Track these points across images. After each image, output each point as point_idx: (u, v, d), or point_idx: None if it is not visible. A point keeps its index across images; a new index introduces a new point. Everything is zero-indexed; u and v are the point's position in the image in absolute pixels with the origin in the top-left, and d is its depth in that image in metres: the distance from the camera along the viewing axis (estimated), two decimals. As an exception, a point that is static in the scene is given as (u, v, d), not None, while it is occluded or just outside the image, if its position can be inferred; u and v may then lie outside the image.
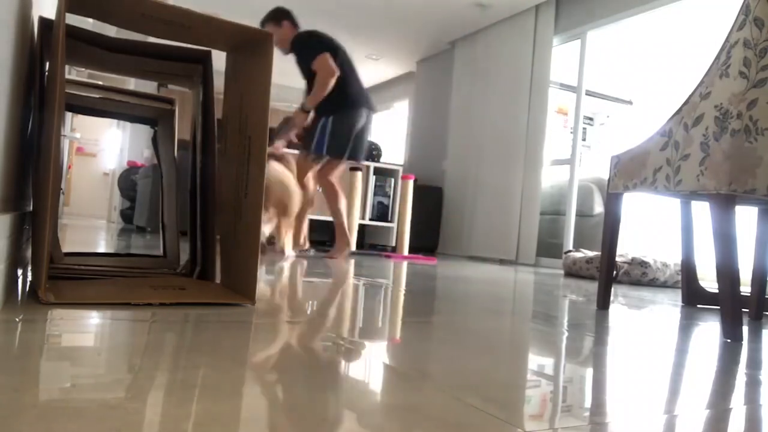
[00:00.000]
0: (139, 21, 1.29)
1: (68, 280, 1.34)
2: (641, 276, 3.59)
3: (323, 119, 3.39)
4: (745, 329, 1.68)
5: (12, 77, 1.11)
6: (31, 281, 1.35)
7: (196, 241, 1.56)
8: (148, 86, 6.52)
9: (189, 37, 1.38)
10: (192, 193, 1.58)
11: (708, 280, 2.41)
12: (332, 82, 3.25)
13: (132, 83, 6.69)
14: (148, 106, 1.75)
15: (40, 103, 1.32)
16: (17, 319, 0.93)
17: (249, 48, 1.39)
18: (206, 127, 1.52)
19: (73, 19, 1.27)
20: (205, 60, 1.51)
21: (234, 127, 1.44)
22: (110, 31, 4.89)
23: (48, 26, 1.37)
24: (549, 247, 5.01)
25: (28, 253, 1.68)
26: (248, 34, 1.33)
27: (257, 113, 1.34)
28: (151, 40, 3.55)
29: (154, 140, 1.84)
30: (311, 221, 5.75)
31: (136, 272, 1.54)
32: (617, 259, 3.61)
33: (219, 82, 1.43)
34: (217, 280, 1.51)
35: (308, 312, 1.33)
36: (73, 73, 5.24)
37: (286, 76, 6.90)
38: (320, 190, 3.65)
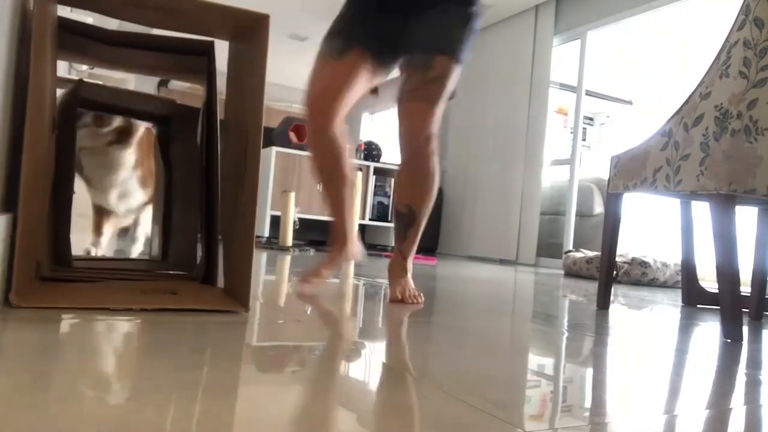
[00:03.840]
0: (127, 9, 1.23)
1: (67, 282, 1.33)
2: (641, 276, 3.59)
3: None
4: (745, 329, 1.68)
5: (8, 74, 1.10)
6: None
7: (204, 243, 1.52)
8: (149, 86, 6.50)
9: (182, 25, 1.31)
10: (200, 193, 1.54)
11: (708, 280, 2.41)
12: None
13: (132, 83, 6.67)
14: (164, 104, 1.73)
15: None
16: (17, 320, 0.93)
17: (248, 35, 1.33)
18: (209, 124, 1.47)
19: (74, 14, 1.25)
20: (209, 52, 1.45)
21: (234, 123, 1.41)
22: (112, 24, 4.88)
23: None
24: (549, 247, 5.01)
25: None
26: (243, 18, 1.26)
27: (253, 104, 1.27)
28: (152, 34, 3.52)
29: (161, 139, 1.82)
30: (311, 221, 5.76)
31: (136, 275, 1.52)
32: (617, 259, 3.61)
33: (221, 83, 1.40)
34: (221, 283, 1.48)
35: (308, 312, 1.33)
36: (73, 73, 5.23)
37: (284, 76, 6.93)
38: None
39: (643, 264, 3.60)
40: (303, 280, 1.69)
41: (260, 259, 2.91)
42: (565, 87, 5.17)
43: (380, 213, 6.01)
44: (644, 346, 1.25)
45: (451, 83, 1.57)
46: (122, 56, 1.47)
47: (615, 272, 3.59)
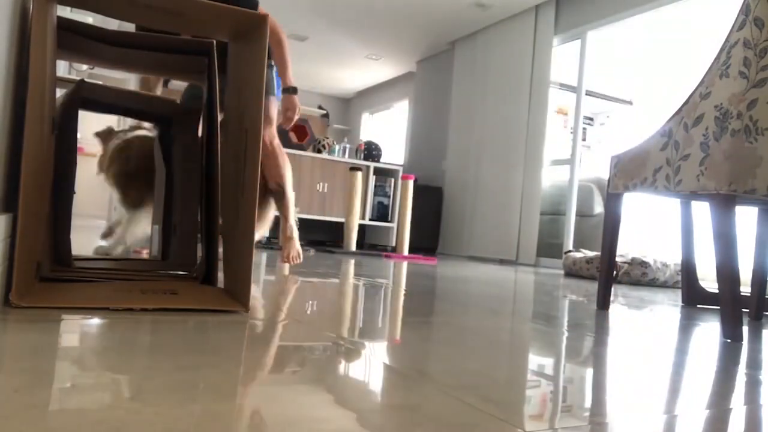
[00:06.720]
0: (126, 9, 1.22)
1: (67, 282, 1.33)
2: (641, 276, 3.59)
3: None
4: (745, 329, 1.68)
5: (8, 74, 1.10)
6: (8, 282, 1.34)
7: (204, 243, 1.52)
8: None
9: (182, 25, 1.31)
10: (200, 193, 1.54)
11: (708, 280, 2.41)
12: None
13: (132, 83, 6.67)
14: (164, 104, 1.73)
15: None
16: (17, 320, 0.93)
17: (248, 35, 1.33)
18: (209, 124, 1.47)
19: (74, 14, 1.25)
20: (209, 52, 1.45)
21: (234, 122, 1.41)
22: (112, 24, 4.89)
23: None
24: (549, 247, 5.01)
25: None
26: (242, 18, 1.26)
27: (252, 103, 1.27)
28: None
29: (162, 139, 1.82)
30: (311, 221, 5.76)
31: (136, 275, 1.52)
32: (617, 259, 3.61)
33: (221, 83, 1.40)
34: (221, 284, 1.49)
35: (308, 312, 1.33)
36: (73, 73, 5.24)
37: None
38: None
39: (643, 264, 3.60)
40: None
41: (260, 259, 2.91)
42: (565, 87, 5.17)
43: (380, 213, 6.01)
44: (644, 346, 1.25)
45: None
46: (122, 56, 1.47)
47: (615, 272, 3.59)
